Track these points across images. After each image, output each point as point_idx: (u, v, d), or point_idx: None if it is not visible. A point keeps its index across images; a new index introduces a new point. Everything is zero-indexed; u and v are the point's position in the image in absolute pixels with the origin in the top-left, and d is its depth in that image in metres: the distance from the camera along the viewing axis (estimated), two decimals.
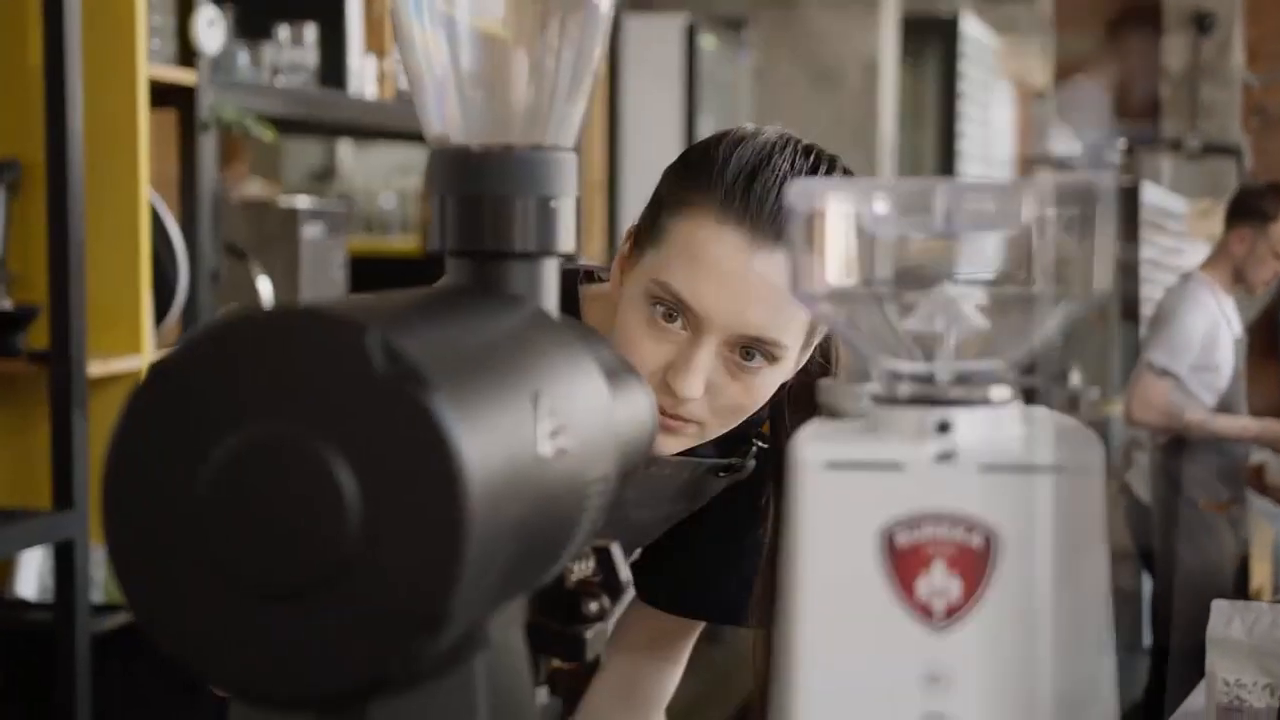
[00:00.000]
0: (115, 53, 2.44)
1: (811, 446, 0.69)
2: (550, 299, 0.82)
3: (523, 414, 0.67)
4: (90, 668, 2.31)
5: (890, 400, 0.71)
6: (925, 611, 0.67)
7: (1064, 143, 5.11)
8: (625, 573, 0.88)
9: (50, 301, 2.34)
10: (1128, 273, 7.07)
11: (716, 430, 1.29)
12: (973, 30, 7.53)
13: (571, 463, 0.71)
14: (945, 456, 0.68)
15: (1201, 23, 9.23)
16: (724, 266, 1.21)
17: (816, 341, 1.32)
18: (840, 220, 0.71)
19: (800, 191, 0.71)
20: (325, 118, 3.08)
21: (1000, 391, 0.70)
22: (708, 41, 5.10)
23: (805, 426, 0.73)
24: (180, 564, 0.62)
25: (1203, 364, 4.28)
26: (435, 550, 0.60)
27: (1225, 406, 4.36)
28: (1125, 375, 7.28)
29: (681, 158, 1.29)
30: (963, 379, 0.71)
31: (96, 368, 2.39)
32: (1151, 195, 7.15)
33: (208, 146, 2.63)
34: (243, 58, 2.89)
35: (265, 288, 2.89)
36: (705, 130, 5.72)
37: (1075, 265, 0.70)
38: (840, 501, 0.68)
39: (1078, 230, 0.69)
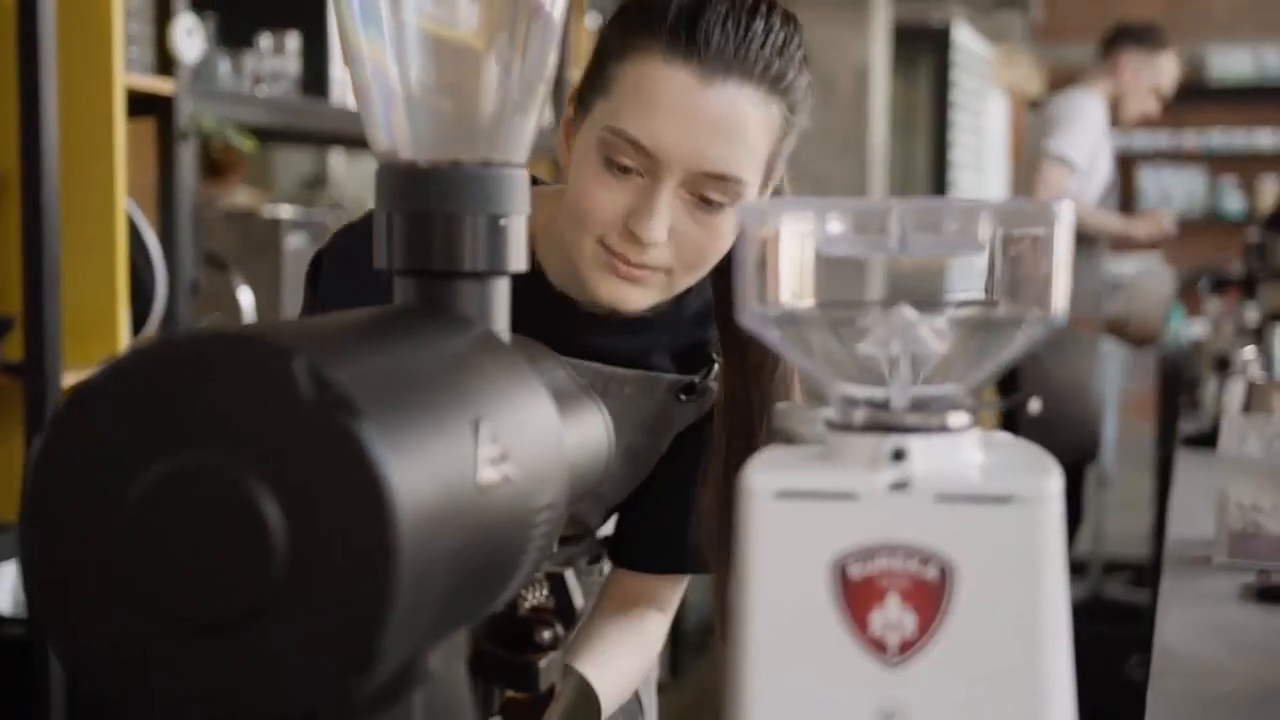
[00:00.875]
0: (92, 61, 2.41)
1: (761, 475, 0.67)
2: (501, 319, 0.79)
3: (462, 441, 0.64)
4: (65, 683, 2.29)
5: (845, 426, 0.69)
6: (879, 646, 0.65)
7: None
8: (579, 599, 0.86)
9: (25, 313, 2.31)
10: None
11: (684, 280, 1.27)
12: (965, 39, 7.52)
13: (515, 490, 0.69)
14: (899, 486, 0.66)
15: None
16: (676, 104, 1.20)
17: (774, 183, 1.31)
18: (792, 241, 0.69)
19: (752, 212, 0.69)
20: (307, 127, 3.06)
21: (958, 418, 0.68)
22: None
23: (758, 454, 0.71)
24: (102, 595, 0.60)
25: (1089, 167, 4.41)
26: (364, 584, 0.58)
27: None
28: None
29: (622, 6, 1.28)
30: (920, 404, 0.69)
31: (72, 379, 2.36)
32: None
33: (186, 156, 2.60)
34: (224, 66, 2.86)
35: (246, 299, 2.87)
36: None
37: (1033, 287, 0.68)
38: (791, 532, 0.66)
39: (1035, 252, 0.67)
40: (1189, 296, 9.63)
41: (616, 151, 1.22)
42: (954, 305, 0.70)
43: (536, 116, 0.83)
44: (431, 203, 0.78)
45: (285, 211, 3.09)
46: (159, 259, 2.53)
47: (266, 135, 3.13)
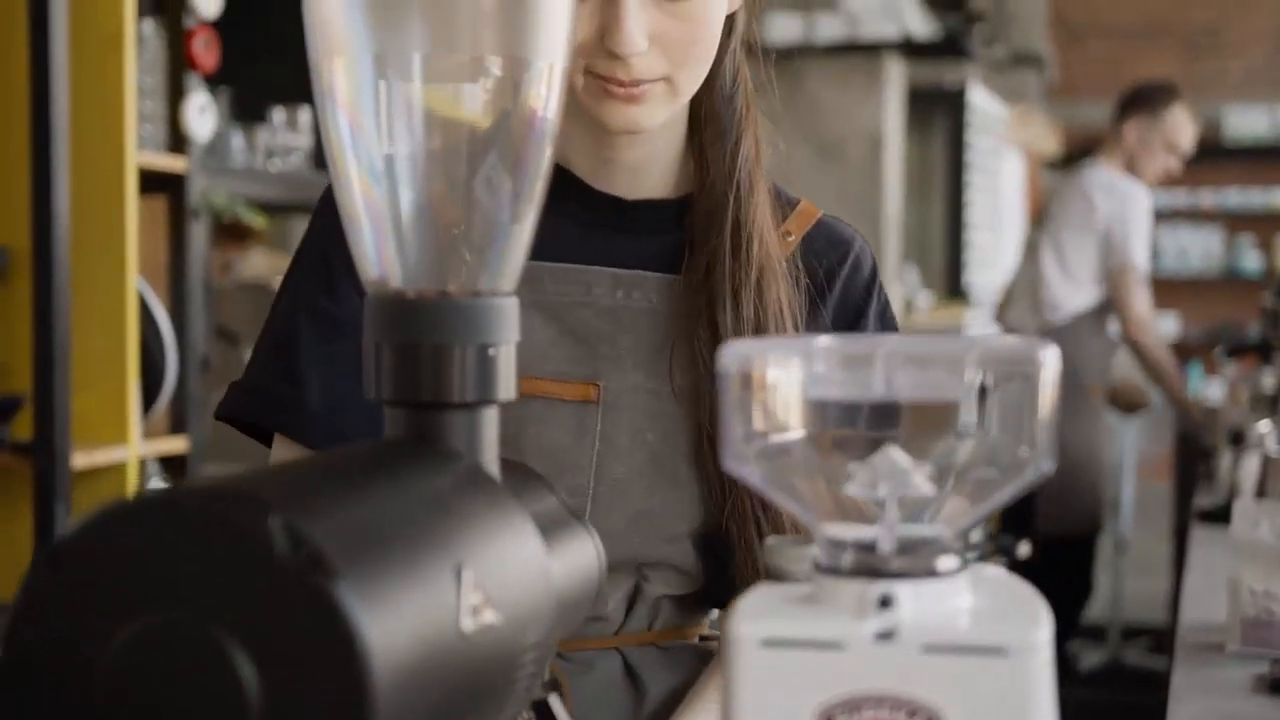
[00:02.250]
0: (104, 140, 2.43)
1: (748, 623, 0.66)
2: (489, 450, 0.79)
3: (443, 590, 0.64)
4: None
5: (832, 570, 0.68)
6: None
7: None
8: None
9: (34, 392, 2.31)
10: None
11: (688, 83, 1.19)
12: (980, 100, 7.53)
13: (500, 635, 0.68)
14: (886, 635, 0.65)
15: None
16: None
17: None
18: (776, 381, 0.68)
19: (733, 353, 0.68)
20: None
21: (947, 561, 0.67)
22: None
23: (746, 595, 0.70)
24: None
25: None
26: None
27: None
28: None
29: None
30: (907, 547, 0.68)
31: (81, 459, 2.36)
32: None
33: (198, 233, 2.61)
34: (237, 141, 2.88)
35: None
36: None
37: (1022, 429, 0.67)
38: (777, 681, 0.65)
39: (1022, 394, 0.66)
40: (1208, 356, 9.60)
41: None
42: (943, 446, 0.69)
43: (525, 247, 0.82)
44: (420, 334, 0.77)
45: None
46: (169, 337, 2.53)
47: (279, 208, 3.14)
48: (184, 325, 2.61)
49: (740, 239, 1.23)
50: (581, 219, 1.27)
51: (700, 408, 1.22)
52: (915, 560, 0.67)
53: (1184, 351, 10.01)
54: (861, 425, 0.70)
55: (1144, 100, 4.47)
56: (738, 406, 0.68)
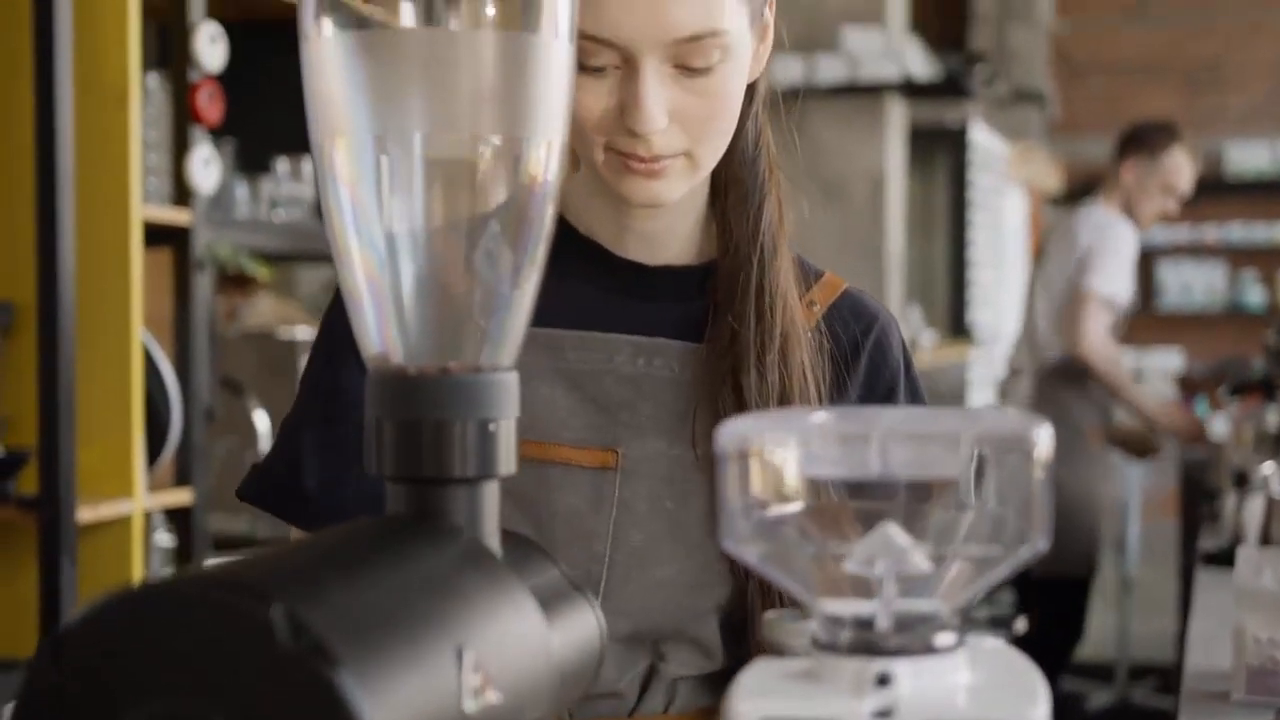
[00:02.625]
0: (110, 194, 2.44)
1: (747, 700, 0.66)
2: (490, 524, 0.79)
3: (445, 672, 0.64)
4: None
5: (830, 647, 0.68)
6: None
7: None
8: None
9: (40, 447, 2.32)
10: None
11: (709, 157, 1.18)
12: (982, 138, 7.55)
13: (502, 713, 0.68)
14: (884, 714, 0.65)
15: None
16: None
17: (766, 14, 1.22)
18: (773, 460, 0.69)
19: (731, 432, 0.69)
20: (324, 250, 3.08)
21: (944, 638, 0.68)
22: None
23: (747, 670, 0.70)
24: None
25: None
26: None
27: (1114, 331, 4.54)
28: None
29: None
30: (905, 623, 0.68)
31: (87, 513, 2.37)
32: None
33: (203, 285, 2.62)
34: (241, 191, 2.89)
35: (262, 422, 2.88)
36: None
37: (1017, 506, 0.68)
38: None
39: (1016, 474, 0.67)
40: (1213, 391, 9.60)
41: (585, 55, 1.13)
42: (940, 522, 0.70)
43: (525, 320, 0.83)
44: (421, 410, 0.78)
45: (301, 332, 3.11)
46: (174, 390, 2.54)
47: (284, 257, 3.16)
48: (189, 377, 2.62)
49: (764, 304, 1.22)
50: (604, 285, 1.26)
51: None
52: (913, 637, 0.68)
53: (1189, 386, 10.01)
54: (859, 501, 0.71)
55: (1142, 141, 4.48)
56: (736, 485, 0.69)
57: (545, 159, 0.80)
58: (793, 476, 0.69)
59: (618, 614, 1.19)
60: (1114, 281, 4.34)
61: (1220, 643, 2.09)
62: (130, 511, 2.46)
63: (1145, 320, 10.16)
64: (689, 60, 1.13)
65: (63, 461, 2.31)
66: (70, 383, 2.34)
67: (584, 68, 1.14)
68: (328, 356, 1.26)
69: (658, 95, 1.13)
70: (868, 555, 0.68)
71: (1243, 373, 8.95)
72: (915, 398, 1.30)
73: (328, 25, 0.77)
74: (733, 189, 1.25)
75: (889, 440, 0.68)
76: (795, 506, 0.70)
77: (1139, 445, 4.86)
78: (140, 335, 2.47)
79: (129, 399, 2.44)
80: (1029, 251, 9.52)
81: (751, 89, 1.24)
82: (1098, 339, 4.33)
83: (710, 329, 1.23)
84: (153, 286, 2.59)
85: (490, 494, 0.80)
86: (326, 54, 0.77)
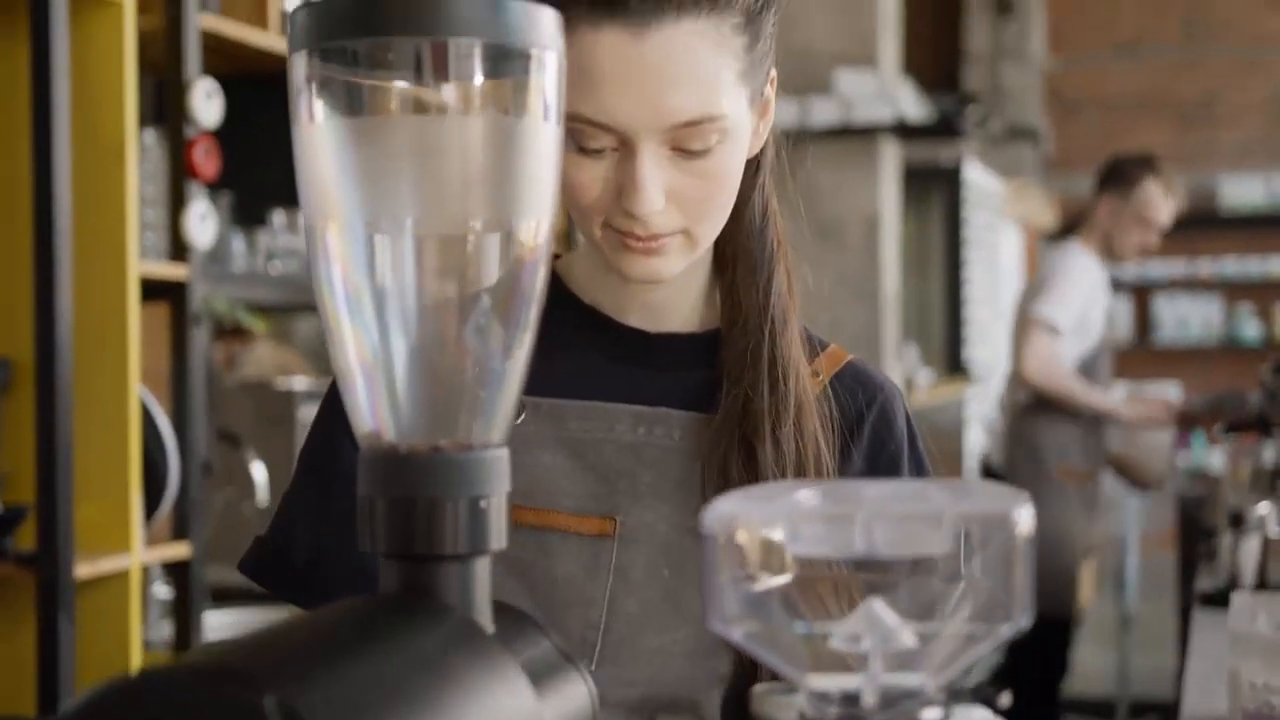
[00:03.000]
0: (107, 250, 2.45)
1: None
2: (482, 599, 0.80)
3: None
4: None
5: None
6: None
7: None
8: None
9: (38, 503, 2.33)
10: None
11: (705, 232, 1.18)
12: (976, 176, 7.59)
13: None
14: None
15: (1003, 4, 9.32)
16: (615, 68, 1.11)
17: (765, 88, 1.22)
18: (760, 540, 0.70)
19: (717, 513, 0.70)
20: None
21: (930, 713, 0.69)
22: None
23: None
24: None
25: (1078, 326, 4.39)
26: None
27: (1087, 371, 4.48)
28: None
29: None
30: (890, 699, 0.69)
31: (85, 569, 2.37)
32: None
33: (199, 339, 2.64)
34: (238, 244, 2.91)
35: (260, 474, 2.88)
36: None
37: (1000, 584, 0.69)
38: None
39: (999, 552, 0.68)
40: (1210, 426, 9.61)
41: (582, 137, 1.14)
42: (925, 599, 0.71)
43: (519, 386, 0.84)
44: (413, 489, 0.79)
45: (299, 383, 3.12)
46: (172, 444, 2.55)
47: (281, 309, 3.17)
48: (186, 431, 2.63)
49: (777, 373, 1.22)
50: (607, 353, 1.27)
51: None
52: (899, 712, 0.68)
53: (1186, 421, 10.02)
54: (845, 579, 0.72)
55: (1115, 176, 4.49)
56: (723, 564, 0.70)
57: (534, 237, 0.82)
58: (779, 555, 0.70)
59: (615, 682, 1.19)
60: (1057, 307, 4.33)
61: (1217, 685, 2.09)
62: (128, 566, 2.47)
63: (1141, 354, 10.18)
64: (686, 143, 1.14)
65: (61, 518, 2.32)
66: (68, 439, 2.35)
67: (582, 149, 1.15)
68: (326, 433, 1.27)
69: (655, 178, 1.14)
70: (854, 631, 0.69)
71: (1239, 406, 8.95)
72: (919, 469, 1.30)
73: (320, 111, 0.79)
74: (741, 260, 1.26)
75: (874, 519, 0.69)
76: (782, 583, 0.71)
77: (1136, 475, 4.85)
78: (138, 390, 2.48)
79: (127, 454, 2.45)
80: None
81: (756, 161, 1.25)
82: (1036, 360, 4.32)
83: (724, 400, 1.23)
84: (150, 341, 2.60)
85: (482, 569, 0.81)
86: (318, 139, 0.79)
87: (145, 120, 2.67)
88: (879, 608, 0.70)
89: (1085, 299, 4.39)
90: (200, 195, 2.65)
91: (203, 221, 2.62)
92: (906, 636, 0.69)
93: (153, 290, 2.59)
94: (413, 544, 0.79)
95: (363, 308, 0.80)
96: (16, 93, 2.40)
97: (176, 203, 2.62)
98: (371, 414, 0.82)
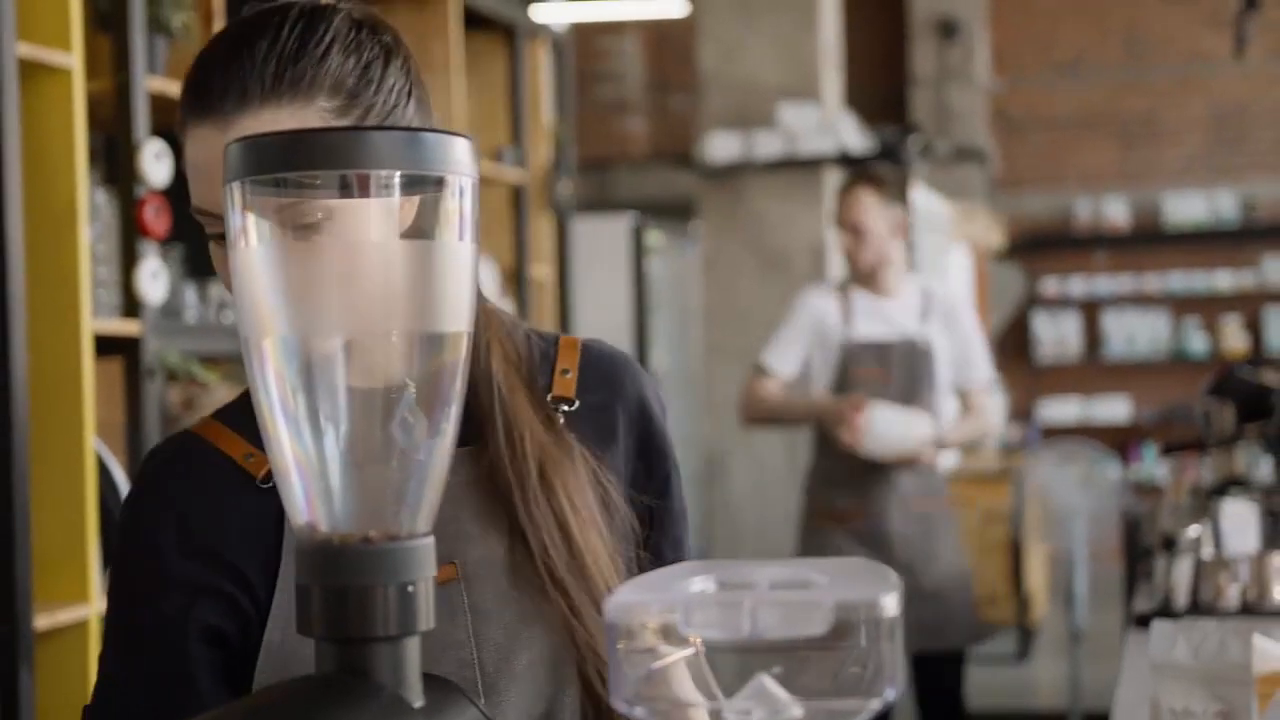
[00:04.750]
0: (60, 308, 2.51)
1: None
2: (412, 676, 0.88)
3: None
4: None
5: None
6: None
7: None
8: None
9: None
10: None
11: None
12: (922, 201, 7.69)
13: None
14: None
15: (946, 28, 9.46)
16: (211, 159, 1.17)
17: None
18: (656, 627, 0.78)
19: (616, 604, 0.78)
20: None
21: None
22: (654, 237, 5.22)
23: None
24: None
25: (800, 371, 4.17)
26: None
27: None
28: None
29: None
30: None
31: (43, 621, 2.43)
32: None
33: (153, 393, 2.70)
34: (190, 296, 2.97)
35: None
36: (656, 324, 5.84)
37: (870, 665, 0.76)
38: None
39: (869, 636, 0.76)
40: (1160, 438, 9.77)
41: (209, 227, 1.20)
42: (810, 674, 0.78)
43: (442, 478, 0.91)
44: (346, 577, 0.86)
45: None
46: (126, 494, 2.61)
47: (234, 359, 3.23)
48: None
49: (514, 438, 1.26)
50: None
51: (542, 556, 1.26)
52: None
53: (1136, 434, 10.19)
54: (736, 656, 0.79)
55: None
56: (623, 653, 0.77)
57: (455, 342, 0.89)
58: (674, 641, 0.78)
59: (505, 710, 1.24)
60: (769, 350, 4.13)
61: (1146, 710, 2.17)
62: (87, 616, 2.52)
63: (1091, 369, 10.33)
64: (300, 222, 1.11)
65: (19, 571, 2.37)
66: (25, 493, 2.40)
67: (215, 239, 1.20)
68: (130, 589, 1.26)
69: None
70: (745, 706, 0.77)
71: (1187, 420, 9.07)
72: (662, 446, 1.35)
73: (253, 236, 0.86)
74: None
75: (759, 606, 0.76)
76: (677, 661, 0.79)
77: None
78: (93, 444, 2.54)
79: (83, 507, 2.51)
80: (976, 307, 9.67)
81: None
82: (741, 400, 4.16)
83: (482, 462, 1.27)
84: (104, 396, 2.66)
85: (411, 648, 0.88)
86: (253, 261, 0.86)
87: (96, 181, 2.74)
88: (768, 683, 0.77)
89: (808, 340, 4.13)
90: (151, 252, 2.71)
91: (154, 278, 2.68)
92: (794, 709, 0.77)
93: (106, 346, 2.65)
94: (346, 628, 0.86)
95: (296, 411, 0.88)
96: None
97: (128, 260, 2.68)
98: (307, 508, 0.89)
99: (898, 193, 4.11)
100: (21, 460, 2.40)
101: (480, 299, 1.32)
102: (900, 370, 4.07)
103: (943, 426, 4.12)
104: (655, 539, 1.35)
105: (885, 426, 3.94)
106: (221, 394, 3.65)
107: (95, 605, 2.54)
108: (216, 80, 1.18)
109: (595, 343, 1.38)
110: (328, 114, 1.19)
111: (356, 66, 1.21)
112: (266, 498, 1.24)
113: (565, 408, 1.30)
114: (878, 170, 4.22)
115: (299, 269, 0.87)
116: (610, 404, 1.34)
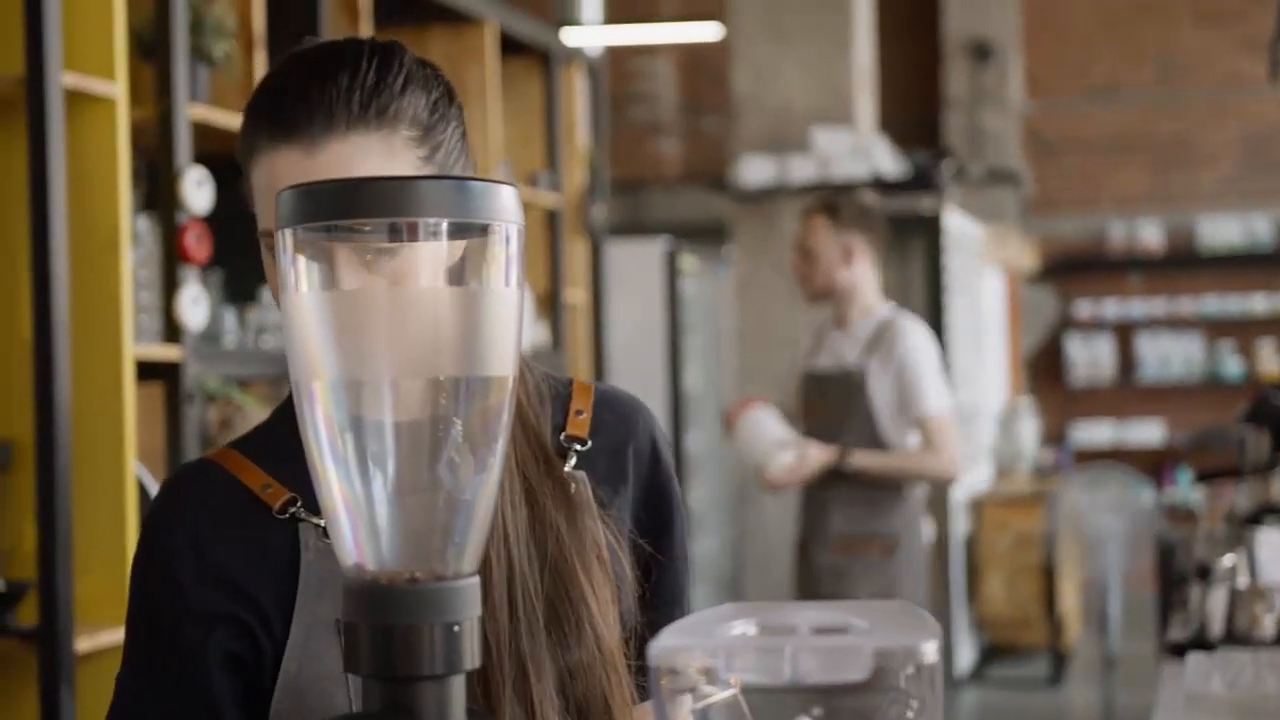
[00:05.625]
0: (103, 334, 2.54)
1: None
2: (458, 713, 0.89)
3: None
4: None
5: None
6: None
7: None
8: None
9: (39, 579, 2.41)
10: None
11: None
12: (956, 223, 7.69)
13: None
14: None
15: (980, 51, 9.43)
16: (290, 184, 1.15)
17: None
18: (701, 670, 0.79)
19: (660, 648, 0.79)
20: None
21: None
22: (688, 261, 5.24)
23: None
24: None
25: None
26: None
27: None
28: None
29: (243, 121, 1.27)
30: None
31: (85, 643, 2.45)
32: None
33: (192, 417, 2.72)
34: (229, 320, 3.00)
35: None
36: (689, 347, 5.85)
37: (911, 710, 0.78)
38: None
39: (910, 683, 0.77)
40: (1195, 462, 9.72)
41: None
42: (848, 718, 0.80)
43: (490, 519, 0.93)
44: (393, 617, 0.88)
45: None
46: None
47: (272, 381, 3.26)
48: None
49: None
50: None
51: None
52: None
53: (1170, 457, 10.14)
54: (775, 698, 0.81)
55: None
56: (668, 696, 0.79)
57: (501, 385, 0.91)
58: (717, 684, 0.79)
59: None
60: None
61: None
62: None
63: (1125, 392, 10.29)
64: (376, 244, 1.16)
65: (61, 593, 2.40)
66: (67, 516, 2.43)
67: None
68: (149, 603, 1.27)
69: (351, 283, 1.13)
70: None
71: (1222, 443, 9.04)
72: (668, 494, 1.37)
73: (304, 284, 0.88)
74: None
75: (800, 651, 0.78)
76: (720, 706, 0.80)
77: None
78: (134, 468, 2.57)
79: (124, 530, 2.54)
80: (1008, 329, 9.65)
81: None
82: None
83: None
84: (145, 420, 2.69)
85: (457, 687, 0.90)
86: (304, 307, 0.88)
87: (138, 208, 2.77)
88: None
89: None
90: (192, 278, 2.74)
91: (195, 304, 2.71)
92: None
93: (147, 371, 2.68)
94: (393, 667, 0.88)
95: (345, 453, 0.90)
96: (15, 185, 2.50)
97: (169, 286, 2.71)
98: (355, 549, 0.91)
99: (854, 221, 4.08)
100: (64, 483, 2.43)
101: None
102: (834, 401, 4.05)
103: (853, 454, 3.96)
104: (655, 585, 1.35)
105: (746, 431, 3.94)
106: (257, 416, 3.68)
107: None
108: (300, 105, 1.20)
109: (608, 386, 1.40)
110: (410, 143, 1.23)
111: (429, 103, 1.24)
112: (284, 529, 1.25)
113: (578, 448, 1.32)
114: (837, 199, 4.23)
115: (348, 315, 0.89)
116: (622, 446, 1.35)
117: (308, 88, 1.21)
